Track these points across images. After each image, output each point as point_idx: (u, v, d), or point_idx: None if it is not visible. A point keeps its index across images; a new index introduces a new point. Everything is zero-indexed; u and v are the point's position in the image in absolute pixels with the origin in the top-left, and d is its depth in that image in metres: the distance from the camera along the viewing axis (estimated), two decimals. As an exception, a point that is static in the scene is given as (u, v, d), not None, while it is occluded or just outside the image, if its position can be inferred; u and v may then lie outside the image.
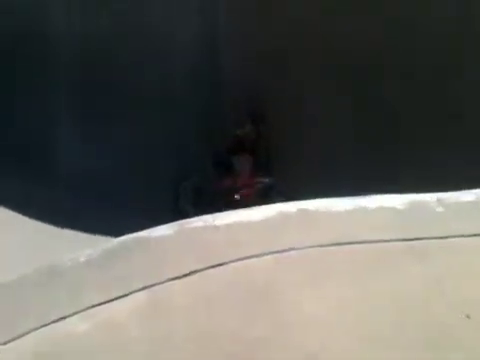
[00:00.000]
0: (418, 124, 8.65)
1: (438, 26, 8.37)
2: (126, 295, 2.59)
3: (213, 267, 2.66)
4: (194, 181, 9.18)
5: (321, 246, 2.76)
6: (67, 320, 2.52)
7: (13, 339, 2.46)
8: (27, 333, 2.48)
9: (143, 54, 9.05)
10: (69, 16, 9.30)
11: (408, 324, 2.43)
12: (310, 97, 8.79)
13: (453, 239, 2.80)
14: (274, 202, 9.67)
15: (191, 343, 2.39)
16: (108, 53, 9.17)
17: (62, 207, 8.73)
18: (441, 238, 2.81)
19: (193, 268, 2.64)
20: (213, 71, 8.97)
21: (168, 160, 9.07)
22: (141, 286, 2.61)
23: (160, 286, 2.60)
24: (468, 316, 2.44)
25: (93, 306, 2.56)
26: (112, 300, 2.57)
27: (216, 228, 2.87)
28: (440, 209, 3.02)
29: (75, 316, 2.53)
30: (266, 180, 9.02)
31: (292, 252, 2.75)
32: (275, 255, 2.74)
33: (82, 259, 2.86)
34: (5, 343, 2.45)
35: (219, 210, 10.81)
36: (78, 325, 2.49)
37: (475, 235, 2.81)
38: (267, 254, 2.74)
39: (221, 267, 2.66)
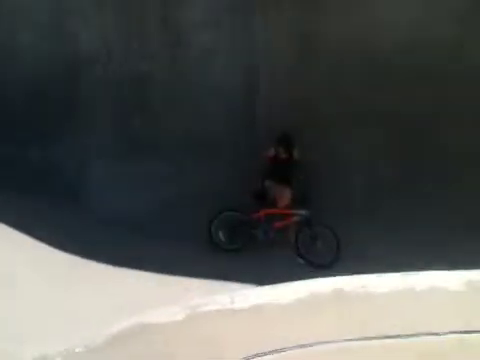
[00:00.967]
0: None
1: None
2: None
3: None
4: (230, 213, 9.31)
5: (359, 340, 2.30)
6: None
7: None
8: None
9: (201, 103, 9.82)
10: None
11: None
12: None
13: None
14: (311, 233, 9.68)
15: None
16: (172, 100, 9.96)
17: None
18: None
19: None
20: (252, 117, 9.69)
21: (206, 190, 9.36)
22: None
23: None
24: None
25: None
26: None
27: (233, 313, 2.43)
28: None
29: None
30: (303, 212, 9.27)
31: (324, 346, 2.30)
32: (303, 350, 2.29)
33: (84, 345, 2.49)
34: None
35: (255, 241, 10.60)
36: None
37: None
38: (293, 348, 2.29)
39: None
